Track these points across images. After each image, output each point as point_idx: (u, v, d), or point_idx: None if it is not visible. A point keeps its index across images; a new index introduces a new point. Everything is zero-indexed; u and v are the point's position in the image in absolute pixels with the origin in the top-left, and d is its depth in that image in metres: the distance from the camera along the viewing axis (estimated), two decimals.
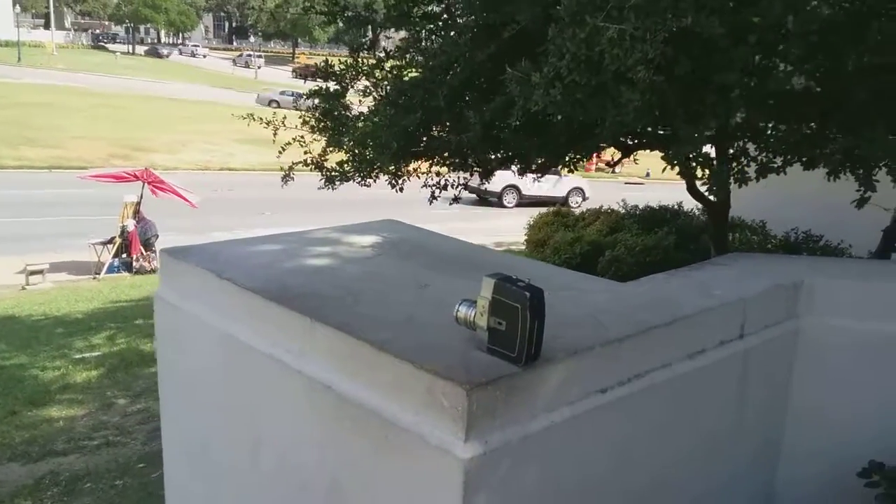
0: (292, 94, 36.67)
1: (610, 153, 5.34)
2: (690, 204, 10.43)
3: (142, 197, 15.19)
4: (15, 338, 9.91)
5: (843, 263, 3.63)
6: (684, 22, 2.31)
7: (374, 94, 4.76)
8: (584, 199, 23.09)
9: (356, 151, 3.92)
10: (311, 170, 4.43)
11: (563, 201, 21.82)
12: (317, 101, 4.89)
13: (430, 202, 4.40)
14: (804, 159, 3.06)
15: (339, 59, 5.07)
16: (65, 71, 53.20)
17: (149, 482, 5.56)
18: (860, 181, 3.06)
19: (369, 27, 4.91)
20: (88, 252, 14.43)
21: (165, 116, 35.97)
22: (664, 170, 3.23)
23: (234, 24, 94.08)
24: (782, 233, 8.91)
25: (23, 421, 6.99)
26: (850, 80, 2.78)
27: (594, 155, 4.09)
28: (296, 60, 74.71)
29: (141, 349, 9.29)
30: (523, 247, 11.70)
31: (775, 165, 3.02)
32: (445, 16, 4.07)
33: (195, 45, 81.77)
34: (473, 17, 3.41)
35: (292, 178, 4.38)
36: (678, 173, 3.51)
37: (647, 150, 3.94)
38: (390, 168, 3.90)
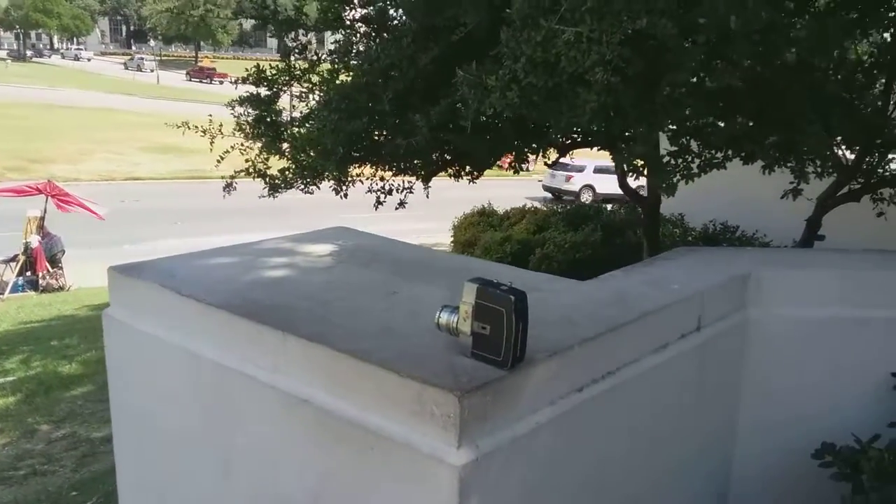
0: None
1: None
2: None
3: (45, 211, 14.49)
4: None
5: (783, 254, 3.80)
6: (639, 24, 2.36)
7: (310, 98, 4.70)
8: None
9: (299, 157, 3.84)
10: (253, 178, 4.33)
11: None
12: (248, 108, 4.78)
13: (376, 208, 4.36)
14: (743, 154, 3.18)
15: (270, 64, 4.97)
16: None
17: None
18: (794, 173, 3.21)
19: (301, 31, 4.83)
20: None
21: (63, 125, 34.26)
22: (552, 165, 3.31)
23: (131, 28, 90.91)
24: (700, 225, 9.28)
25: None
26: (787, 77, 2.91)
27: (536, 155, 4.15)
28: (198, 64, 72.73)
29: (59, 371, 8.88)
30: (448, 248, 11.76)
31: (717, 161, 3.14)
32: (381, 18, 4.04)
33: (78, 49, 78.35)
34: (415, 20, 3.40)
35: (234, 188, 4.27)
36: (618, 170, 3.61)
37: (592, 149, 4.02)
38: (335, 174, 3.85)
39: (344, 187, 4.06)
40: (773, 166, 3.26)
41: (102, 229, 15.25)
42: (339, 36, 4.82)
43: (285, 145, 4.10)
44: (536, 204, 11.07)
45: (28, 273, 14.01)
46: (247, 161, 4.45)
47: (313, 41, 5.06)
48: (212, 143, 4.46)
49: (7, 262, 13.92)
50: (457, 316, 1.96)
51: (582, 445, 2.20)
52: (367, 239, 3.27)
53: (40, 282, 14.03)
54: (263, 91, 4.89)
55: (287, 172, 4.18)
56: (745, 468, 3.07)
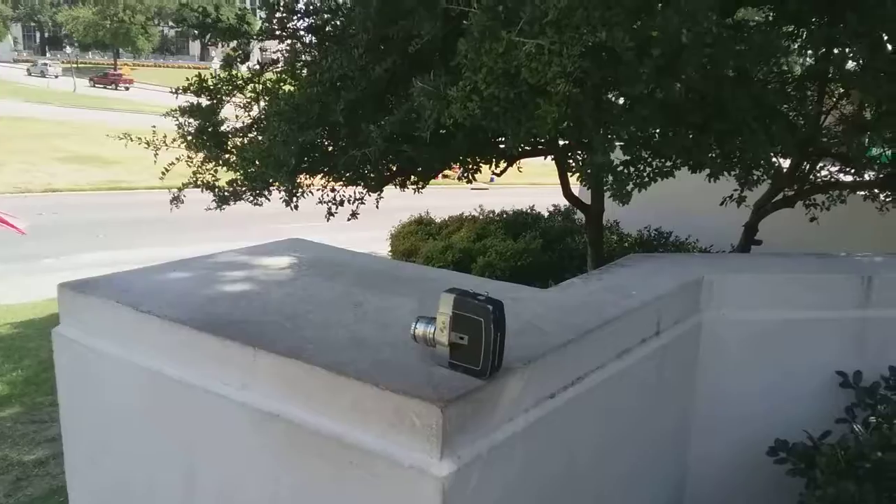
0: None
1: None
2: (540, 207, 10.96)
3: None
4: None
5: (731, 259, 3.92)
6: (598, 37, 2.42)
7: (254, 108, 4.63)
8: None
9: (248, 169, 3.78)
10: (202, 190, 4.23)
11: None
12: (188, 117, 4.69)
13: (328, 219, 4.32)
14: (690, 163, 3.29)
15: (211, 74, 4.88)
16: None
17: None
18: (739, 181, 3.33)
19: (244, 40, 4.75)
20: None
21: None
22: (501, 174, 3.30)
23: (46, 35, 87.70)
24: (635, 231, 9.50)
25: None
26: (731, 89, 3.02)
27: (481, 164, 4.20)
28: (117, 71, 70.57)
29: None
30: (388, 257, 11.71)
31: (667, 169, 3.23)
32: (328, 28, 4.02)
33: None
34: (368, 31, 3.39)
35: (182, 201, 4.17)
36: (562, 179, 3.66)
37: (545, 158, 4.07)
38: (287, 185, 3.80)
39: (295, 199, 4.02)
40: (719, 174, 3.38)
41: (19, 243, 14.62)
42: (281, 45, 4.79)
43: (233, 156, 4.02)
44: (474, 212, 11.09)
45: None
46: (194, 173, 4.34)
47: (256, 50, 5.00)
48: (156, 154, 4.34)
49: None
50: (433, 327, 1.96)
51: (554, 450, 2.23)
52: (323, 251, 3.24)
53: None
54: (205, 101, 4.80)
55: (236, 184, 4.11)
56: (700, 466, 3.16)
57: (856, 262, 3.54)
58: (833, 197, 4.96)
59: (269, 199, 4.19)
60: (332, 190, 4.30)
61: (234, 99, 4.79)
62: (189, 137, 4.48)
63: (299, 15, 4.25)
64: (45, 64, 64.89)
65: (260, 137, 4.45)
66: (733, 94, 3.01)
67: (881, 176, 4.33)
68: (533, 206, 11.14)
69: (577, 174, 3.09)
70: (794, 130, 3.39)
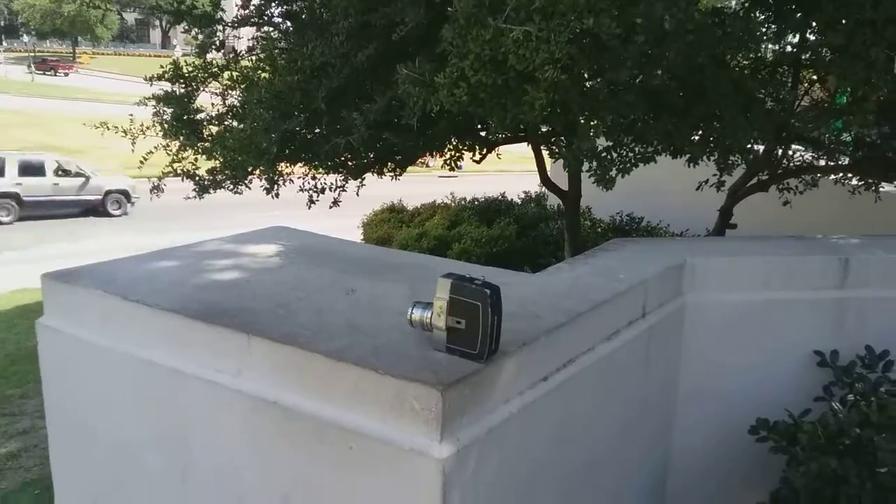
0: None
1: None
2: (510, 194, 11.04)
3: None
4: None
5: (712, 243, 3.99)
6: (586, 23, 2.44)
7: (230, 95, 4.59)
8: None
9: (229, 157, 3.75)
10: (182, 179, 4.19)
11: None
12: (163, 105, 4.63)
13: (309, 206, 4.31)
14: (671, 148, 3.33)
15: (186, 62, 4.82)
16: None
17: None
18: (719, 165, 3.38)
19: (219, 27, 4.70)
20: None
21: None
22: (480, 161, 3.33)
23: (2, 24, 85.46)
24: (607, 217, 9.59)
25: None
26: (712, 76, 3.06)
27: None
28: (77, 60, 69.15)
29: None
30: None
31: (649, 155, 3.27)
32: (306, 15, 3.99)
33: None
34: (350, 18, 3.38)
35: (162, 190, 4.12)
36: (539, 165, 3.67)
37: (527, 144, 4.09)
38: (268, 173, 3.77)
39: (275, 187, 4.00)
40: (699, 159, 3.43)
41: None
42: (257, 32, 4.75)
43: (209, 144, 3.98)
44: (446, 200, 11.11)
45: None
46: (172, 162, 4.30)
47: (231, 37, 4.94)
48: (133, 142, 4.29)
49: None
50: (430, 311, 1.98)
51: (547, 431, 2.26)
52: (308, 238, 3.23)
53: None
54: (180, 88, 4.74)
55: (216, 173, 4.07)
56: (684, 444, 3.22)
57: (833, 244, 3.62)
58: (806, 181, 5.06)
59: (249, 188, 4.16)
60: (313, 178, 4.29)
61: (209, 87, 4.74)
62: (165, 125, 4.43)
63: (276, 2, 4.21)
64: None
65: (237, 125, 4.43)
66: (714, 80, 3.05)
67: (852, 161, 4.43)
68: (504, 192, 11.21)
69: (561, 160, 3.12)
70: (771, 115, 3.44)
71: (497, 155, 4.73)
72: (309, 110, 3.47)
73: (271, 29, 4.29)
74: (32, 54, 63.89)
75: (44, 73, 58.32)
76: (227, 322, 2.16)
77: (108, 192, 18.43)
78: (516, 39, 2.50)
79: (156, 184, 4.26)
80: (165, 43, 78.52)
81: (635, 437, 2.95)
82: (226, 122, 4.59)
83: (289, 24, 4.06)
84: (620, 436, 2.80)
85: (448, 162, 4.26)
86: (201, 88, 4.67)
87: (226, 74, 4.76)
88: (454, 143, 4.10)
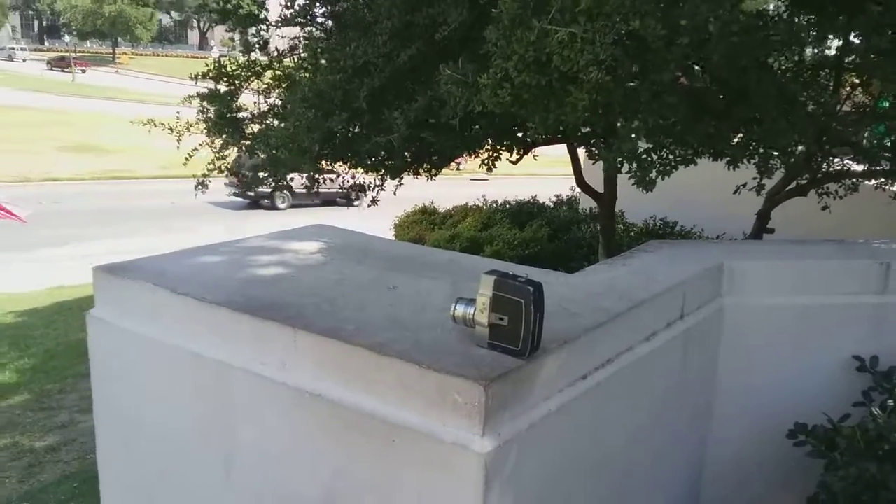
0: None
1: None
2: (542, 197, 11.03)
3: None
4: None
5: (749, 246, 3.97)
6: (632, 25, 2.45)
7: (273, 94, 4.67)
8: None
9: (273, 154, 3.82)
10: (227, 176, 4.28)
11: None
12: (206, 103, 4.72)
13: (348, 206, 4.36)
14: (711, 150, 3.33)
15: (230, 60, 4.91)
16: None
17: None
18: (759, 169, 3.37)
19: (263, 26, 4.79)
20: None
21: None
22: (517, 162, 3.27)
23: (44, 24, 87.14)
24: (640, 221, 9.55)
25: None
26: (757, 77, 3.05)
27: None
28: (117, 61, 70.32)
29: None
30: None
31: (689, 157, 3.27)
32: (348, 15, 4.04)
33: None
34: (393, 18, 3.42)
35: (206, 186, 4.21)
36: (575, 168, 3.64)
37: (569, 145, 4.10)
38: (310, 171, 3.84)
39: (317, 184, 4.06)
40: (738, 162, 3.42)
41: (19, 233, 14.63)
42: (301, 32, 4.82)
43: (251, 142, 4.06)
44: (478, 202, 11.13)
45: None
46: (217, 159, 4.39)
47: (274, 36, 5.03)
48: (179, 140, 4.38)
49: None
50: (473, 308, 2.01)
51: (585, 430, 2.28)
52: (349, 236, 3.29)
53: None
54: (223, 87, 4.83)
55: (259, 170, 4.14)
56: (719, 446, 3.22)
57: (874, 248, 3.58)
58: (846, 185, 5.00)
59: (290, 186, 4.23)
60: (353, 176, 4.35)
61: (251, 85, 4.82)
62: (209, 123, 4.52)
63: (320, 2, 4.27)
64: (13, 49, 65.31)
65: (276, 123, 4.50)
66: (757, 83, 3.04)
67: (893, 166, 4.37)
68: (535, 196, 11.22)
69: (600, 162, 3.13)
70: (812, 119, 3.42)
71: (534, 156, 4.75)
72: (350, 109, 3.52)
73: (314, 28, 4.35)
74: (72, 54, 65.24)
75: (61, 70, 59.53)
76: (272, 316, 2.22)
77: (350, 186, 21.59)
78: (561, 41, 2.52)
79: (200, 180, 4.35)
80: (203, 44, 79.49)
81: (671, 439, 2.95)
82: (267, 121, 4.67)
83: (331, 23, 4.11)
84: (656, 437, 2.81)
85: (485, 162, 4.29)
86: (244, 87, 4.76)
87: (268, 73, 4.85)
88: (491, 143, 4.13)
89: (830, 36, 3.35)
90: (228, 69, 4.77)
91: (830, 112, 3.78)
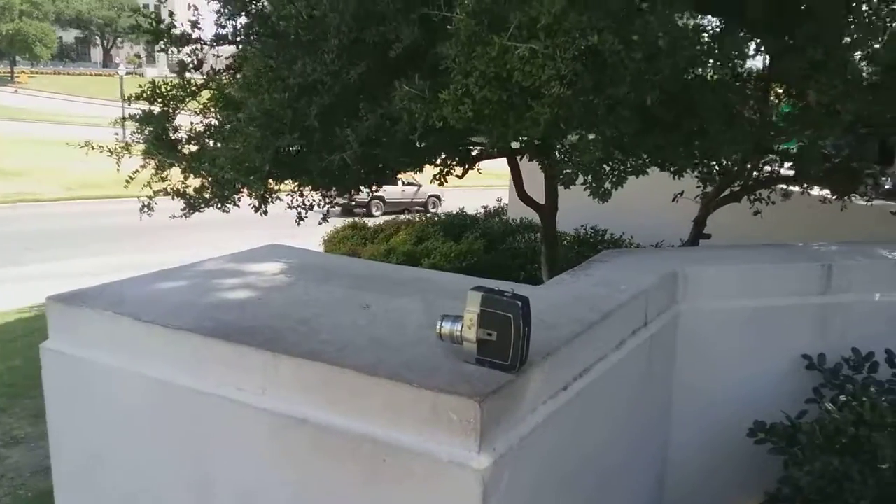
0: None
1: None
2: (469, 209, 11.17)
3: None
4: None
5: (699, 252, 4.09)
6: (591, 40, 2.51)
7: (211, 114, 4.56)
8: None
9: (218, 174, 3.73)
10: (172, 197, 4.15)
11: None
12: (141, 125, 4.58)
13: (298, 223, 4.30)
14: (659, 161, 3.43)
15: (164, 81, 4.77)
16: None
17: None
18: (703, 178, 3.49)
19: (198, 46, 4.67)
20: None
21: None
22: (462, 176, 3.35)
23: None
24: (571, 230, 9.73)
25: None
26: (701, 90, 3.17)
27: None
28: (16, 80, 67.33)
29: None
30: None
31: (640, 168, 3.36)
32: (292, 34, 3.98)
33: None
34: (343, 36, 3.40)
35: (152, 209, 4.07)
36: (516, 180, 3.69)
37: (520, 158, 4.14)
38: (260, 191, 3.76)
39: (265, 204, 3.98)
40: (683, 171, 3.54)
41: None
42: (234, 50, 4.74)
43: (189, 163, 3.96)
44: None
45: None
46: (159, 181, 4.25)
47: (209, 56, 4.91)
48: (118, 162, 4.23)
49: None
50: (460, 324, 2.01)
51: (567, 439, 2.31)
52: (306, 256, 3.24)
53: None
54: (157, 108, 4.70)
55: (205, 191, 4.04)
56: (679, 448, 3.29)
57: (815, 251, 3.75)
58: (783, 192, 5.23)
59: (237, 206, 4.14)
60: (301, 195, 4.28)
61: (187, 106, 4.70)
62: (146, 144, 4.38)
63: (258, 21, 4.20)
64: None
65: (214, 143, 4.40)
66: (701, 96, 3.16)
67: (820, 173, 4.59)
68: (462, 208, 11.34)
69: (556, 173, 3.18)
70: (752, 130, 3.57)
71: (478, 170, 4.79)
72: (301, 128, 3.47)
73: (253, 47, 4.27)
74: None
75: None
76: (248, 340, 2.16)
77: (429, 196, 25.35)
78: (522, 56, 2.56)
79: (146, 202, 4.21)
80: (107, 61, 76.92)
81: (638, 443, 3.01)
82: (203, 141, 4.56)
83: (273, 41, 4.04)
84: (625, 441, 2.86)
85: (437, 177, 4.29)
86: (180, 108, 4.64)
87: (204, 93, 4.74)
88: (442, 158, 4.15)
89: (762, 49, 3.50)
90: (163, 90, 4.63)
91: (767, 122, 3.95)
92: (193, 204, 4.08)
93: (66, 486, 2.68)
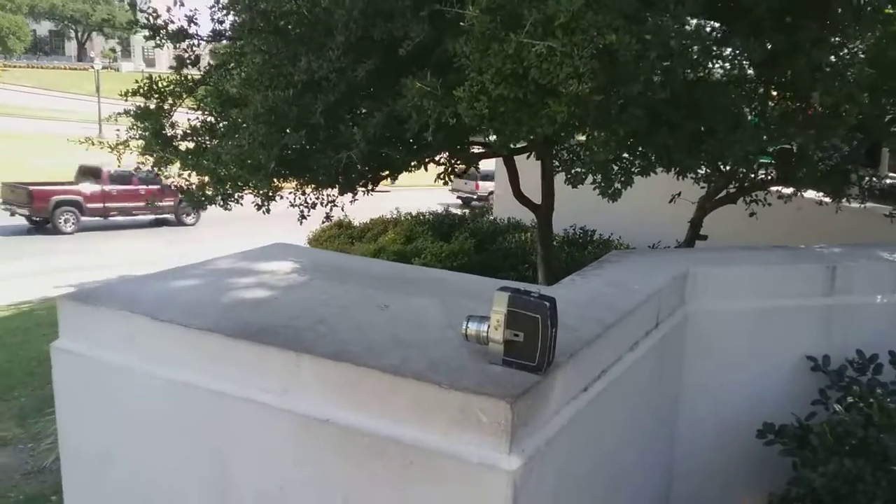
0: None
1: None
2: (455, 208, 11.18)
3: None
4: None
5: (706, 254, 4.10)
6: (608, 39, 2.51)
7: (210, 110, 4.52)
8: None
9: (221, 172, 3.68)
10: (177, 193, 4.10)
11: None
12: (138, 121, 4.52)
13: (301, 222, 4.26)
14: (666, 161, 3.44)
15: (161, 77, 4.71)
16: None
17: None
18: (709, 178, 3.50)
19: (195, 42, 4.62)
20: None
21: None
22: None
23: None
24: (560, 231, 9.75)
25: None
26: (710, 91, 3.18)
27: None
28: None
29: None
30: None
31: (647, 167, 3.37)
32: (295, 30, 3.95)
33: None
34: (348, 33, 3.37)
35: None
36: (512, 178, 3.70)
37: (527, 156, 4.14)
38: (263, 189, 3.73)
39: (268, 202, 3.95)
40: (689, 172, 3.55)
41: None
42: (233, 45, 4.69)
43: (197, 158, 3.91)
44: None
45: None
46: (166, 178, 4.20)
47: (205, 52, 4.86)
48: (119, 157, 4.17)
49: None
50: (486, 325, 2.00)
51: (588, 440, 2.31)
52: (315, 255, 3.22)
53: None
54: (153, 104, 4.64)
55: (207, 188, 3.99)
56: (686, 448, 3.31)
57: (818, 253, 3.78)
58: (782, 195, 5.26)
59: (240, 204, 4.10)
60: (303, 193, 4.25)
61: (184, 102, 4.65)
62: (144, 140, 4.33)
63: (260, 17, 4.15)
64: None
65: (210, 140, 4.35)
66: (709, 96, 3.17)
67: (815, 175, 4.63)
68: (448, 206, 11.33)
69: (566, 173, 3.18)
70: (758, 130, 3.58)
71: (476, 168, 4.78)
72: (307, 125, 3.44)
73: (255, 42, 4.22)
74: None
75: None
76: (271, 340, 2.14)
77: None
78: (539, 54, 2.55)
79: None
80: (82, 55, 75.77)
81: (650, 443, 3.02)
82: (199, 138, 4.51)
83: (275, 38, 4.00)
84: (637, 442, 2.87)
85: (442, 176, 4.28)
86: (178, 104, 4.58)
87: (201, 89, 4.69)
88: (447, 156, 4.14)
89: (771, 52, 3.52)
90: (160, 85, 4.58)
91: (777, 123, 3.96)
92: (196, 201, 4.03)
93: (76, 486, 2.64)
